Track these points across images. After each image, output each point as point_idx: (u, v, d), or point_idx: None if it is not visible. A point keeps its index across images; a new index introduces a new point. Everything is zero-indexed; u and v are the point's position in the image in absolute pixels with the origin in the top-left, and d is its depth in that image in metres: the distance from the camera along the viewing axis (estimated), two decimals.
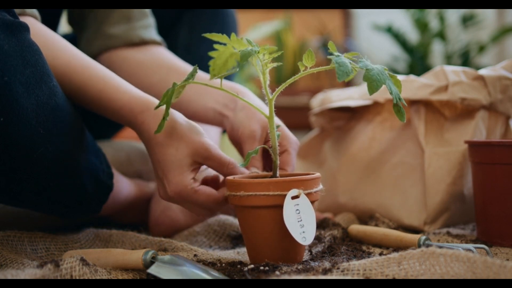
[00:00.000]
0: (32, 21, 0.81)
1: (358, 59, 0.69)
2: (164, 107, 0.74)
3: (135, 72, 0.98)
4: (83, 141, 0.82)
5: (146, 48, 1.03)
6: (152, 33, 1.05)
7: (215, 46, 0.77)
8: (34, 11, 0.84)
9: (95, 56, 1.02)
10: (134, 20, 1.03)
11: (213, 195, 0.76)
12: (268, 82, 0.73)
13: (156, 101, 0.78)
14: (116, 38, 1.02)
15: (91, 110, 0.84)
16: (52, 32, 0.83)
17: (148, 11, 1.06)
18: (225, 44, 0.77)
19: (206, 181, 0.80)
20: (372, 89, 0.65)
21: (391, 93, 0.68)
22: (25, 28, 0.71)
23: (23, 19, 0.77)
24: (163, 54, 1.03)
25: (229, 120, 0.91)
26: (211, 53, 0.78)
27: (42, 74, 0.72)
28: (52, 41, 0.81)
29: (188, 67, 1.00)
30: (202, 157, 0.75)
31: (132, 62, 1.00)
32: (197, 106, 0.94)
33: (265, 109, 0.88)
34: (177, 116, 0.77)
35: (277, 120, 0.86)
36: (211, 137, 1.12)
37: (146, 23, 1.05)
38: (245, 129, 0.86)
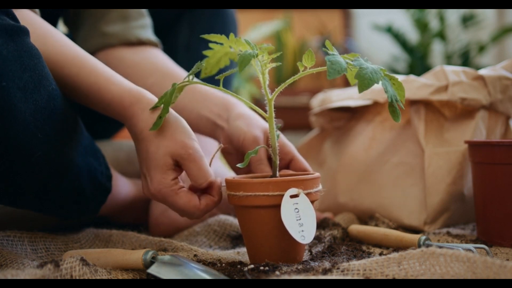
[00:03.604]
0: (29, 12, 0.80)
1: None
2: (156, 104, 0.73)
3: (130, 73, 0.98)
4: (82, 143, 0.82)
5: (142, 49, 1.03)
6: (149, 34, 1.05)
7: (211, 45, 0.77)
8: None
9: (91, 54, 1.02)
10: (131, 20, 1.03)
11: (193, 201, 0.73)
12: (267, 82, 0.73)
13: (147, 95, 0.77)
14: (113, 36, 1.01)
15: (82, 103, 0.82)
16: (48, 24, 0.82)
17: (145, 11, 1.06)
18: (222, 44, 0.77)
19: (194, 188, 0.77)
20: (362, 87, 0.64)
21: (386, 92, 0.67)
22: (24, 32, 0.71)
23: (20, 12, 0.76)
24: (159, 57, 1.02)
25: (224, 131, 0.91)
26: (206, 52, 0.79)
27: (41, 78, 0.72)
28: (45, 31, 0.80)
29: (183, 73, 1.00)
30: (181, 158, 0.73)
31: (128, 63, 1.00)
32: (190, 113, 0.94)
33: (259, 118, 0.90)
34: (168, 115, 0.75)
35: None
36: (208, 149, 1.10)
37: (143, 23, 1.04)
38: (247, 135, 0.86)
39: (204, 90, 0.96)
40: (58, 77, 0.78)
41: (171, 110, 0.75)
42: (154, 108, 0.75)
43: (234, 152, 0.90)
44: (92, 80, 0.78)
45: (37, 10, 0.83)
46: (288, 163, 0.87)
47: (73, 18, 1.06)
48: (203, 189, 0.75)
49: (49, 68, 0.77)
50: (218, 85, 0.74)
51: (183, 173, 0.78)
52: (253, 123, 0.89)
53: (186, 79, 0.74)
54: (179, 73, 0.99)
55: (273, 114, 0.74)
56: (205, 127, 0.94)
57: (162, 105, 0.73)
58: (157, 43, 1.05)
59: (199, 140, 1.05)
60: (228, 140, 0.90)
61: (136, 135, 0.76)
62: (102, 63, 0.82)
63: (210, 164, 0.78)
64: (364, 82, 0.64)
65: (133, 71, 0.99)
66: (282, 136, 0.85)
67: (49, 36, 0.80)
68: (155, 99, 0.77)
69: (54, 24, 1.07)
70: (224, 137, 0.91)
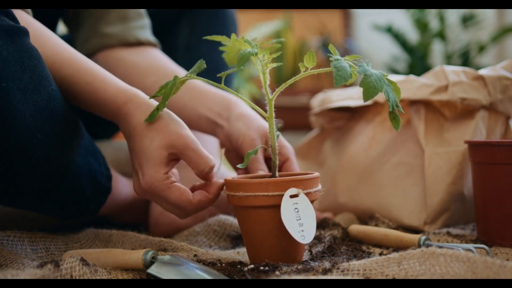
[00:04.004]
0: (22, 13, 0.81)
1: (358, 62, 0.69)
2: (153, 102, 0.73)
3: (130, 73, 0.98)
4: (81, 143, 0.82)
5: (141, 49, 1.03)
6: (148, 34, 1.05)
7: (224, 42, 0.77)
8: None
9: (90, 55, 1.02)
10: (130, 20, 1.03)
11: (186, 195, 0.73)
12: (268, 82, 0.73)
13: (141, 94, 0.77)
14: (112, 37, 1.02)
15: (79, 105, 0.82)
16: (43, 26, 0.82)
17: (143, 11, 1.06)
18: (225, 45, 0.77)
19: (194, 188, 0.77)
20: (367, 96, 0.64)
21: (388, 100, 0.67)
22: (24, 32, 0.71)
23: (14, 12, 0.77)
24: (159, 57, 1.03)
25: (224, 130, 0.92)
26: (223, 48, 0.79)
27: (41, 78, 0.72)
28: (40, 33, 0.80)
29: (183, 72, 1.00)
30: (178, 148, 0.73)
31: (128, 63, 1.00)
32: (190, 112, 0.94)
33: (260, 119, 0.90)
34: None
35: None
36: (208, 149, 1.10)
37: (142, 24, 1.05)
38: (245, 137, 0.87)
39: (204, 89, 0.97)
40: (56, 78, 0.78)
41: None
42: (153, 97, 0.75)
43: (233, 151, 0.91)
44: (89, 80, 0.79)
45: (29, 10, 0.83)
46: (282, 165, 0.88)
47: (73, 18, 1.06)
48: (205, 176, 0.75)
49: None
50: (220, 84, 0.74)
51: (175, 170, 0.78)
52: (253, 125, 0.89)
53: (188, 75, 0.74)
54: (180, 72, 1.00)
55: (273, 114, 0.74)
56: (206, 126, 0.94)
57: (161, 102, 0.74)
58: (156, 44, 1.06)
59: (199, 139, 1.07)
60: (228, 139, 0.91)
61: (129, 132, 0.75)
62: (97, 64, 0.82)
63: (218, 169, 0.78)
64: (369, 91, 0.64)
65: (133, 71, 0.99)
66: (281, 137, 0.86)
67: (44, 38, 0.80)
68: (148, 99, 0.77)
69: (54, 24, 1.07)
70: (223, 136, 0.92)
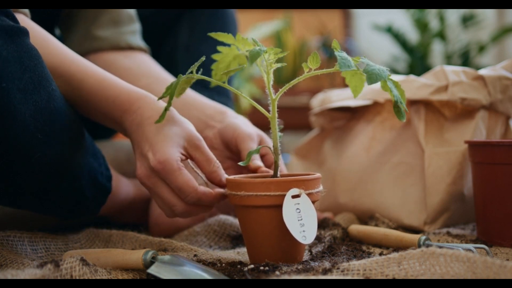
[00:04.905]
0: (21, 16, 0.81)
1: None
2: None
3: (121, 76, 0.97)
4: (82, 143, 0.82)
5: (132, 53, 1.04)
6: (138, 40, 1.07)
7: (219, 48, 0.78)
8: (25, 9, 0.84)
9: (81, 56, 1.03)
10: (122, 25, 1.04)
11: (193, 183, 0.72)
12: (272, 82, 0.73)
13: (151, 94, 0.78)
14: (104, 41, 1.03)
15: (83, 106, 0.81)
16: (44, 31, 0.83)
17: (134, 15, 1.07)
18: (229, 45, 0.77)
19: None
20: (371, 80, 0.66)
21: (391, 93, 0.68)
22: (24, 33, 0.71)
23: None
24: (149, 62, 1.04)
25: (215, 129, 0.92)
26: (215, 56, 0.79)
27: (41, 79, 0.72)
28: (41, 34, 0.80)
29: (173, 79, 1.00)
30: (192, 145, 0.74)
31: (119, 67, 1.01)
32: (181, 113, 0.95)
33: (248, 127, 0.91)
34: (172, 111, 0.76)
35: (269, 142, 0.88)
36: None
37: (133, 29, 1.06)
38: (241, 131, 0.88)
39: (199, 98, 0.98)
40: (64, 76, 0.78)
41: (172, 109, 0.76)
42: (161, 98, 0.75)
43: (220, 148, 0.91)
44: (100, 77, 0.80)
45: (27, 11, 0.83)
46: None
47: (66, 19, 1.06)
48: (213, 175, 0.75)
49: (53, 67, 0.77)
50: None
51: None
52: (249, 124, 0.91)
53: (190, 74, 0.75)
54: (169, 79, 1.01)
55: (276, 114, 0.74)
56: (195, 125, 0.94)
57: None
58: (146, 49, 1.07)
59: None
60: (219, 135, 0.91)
61: (142, 121, 0.75)
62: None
63: None
64: (373, 77, 0.66)
65: (124, 74, 0.99)
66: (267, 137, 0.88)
67: (47, 39, 0.80)
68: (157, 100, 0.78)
69: (52, 28, 1.07)
70: (214, 133, 0.92)
